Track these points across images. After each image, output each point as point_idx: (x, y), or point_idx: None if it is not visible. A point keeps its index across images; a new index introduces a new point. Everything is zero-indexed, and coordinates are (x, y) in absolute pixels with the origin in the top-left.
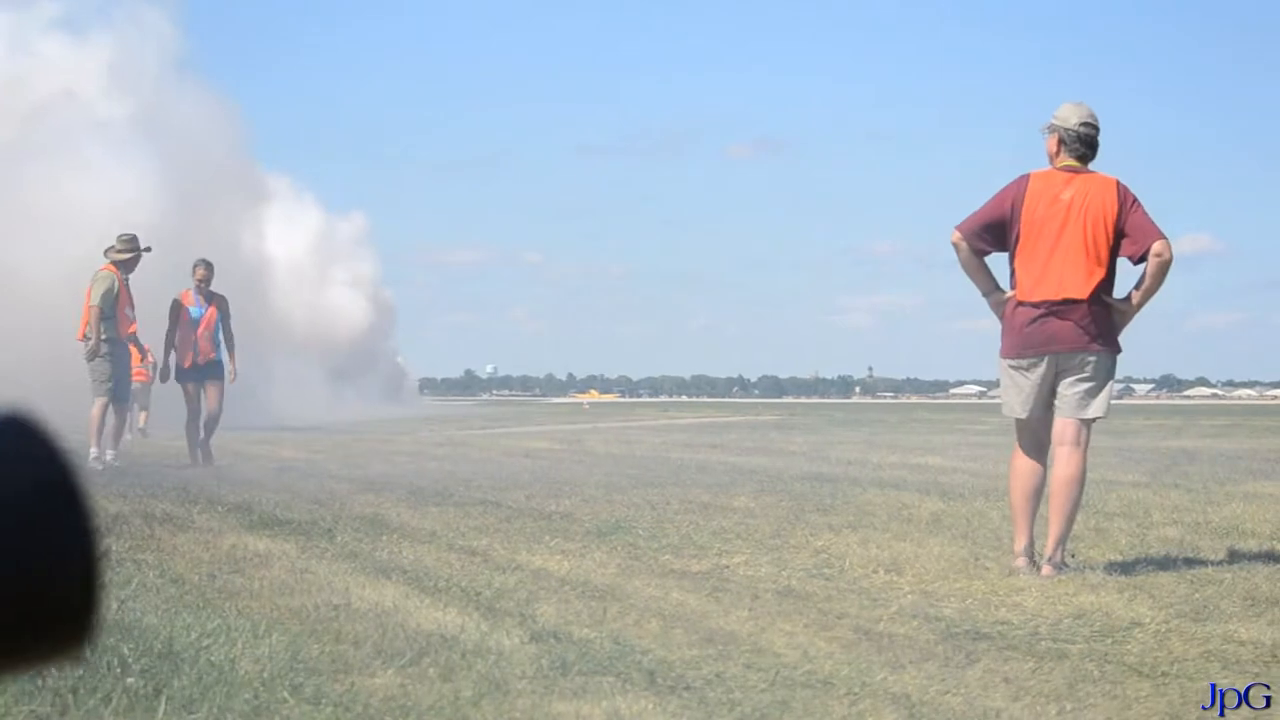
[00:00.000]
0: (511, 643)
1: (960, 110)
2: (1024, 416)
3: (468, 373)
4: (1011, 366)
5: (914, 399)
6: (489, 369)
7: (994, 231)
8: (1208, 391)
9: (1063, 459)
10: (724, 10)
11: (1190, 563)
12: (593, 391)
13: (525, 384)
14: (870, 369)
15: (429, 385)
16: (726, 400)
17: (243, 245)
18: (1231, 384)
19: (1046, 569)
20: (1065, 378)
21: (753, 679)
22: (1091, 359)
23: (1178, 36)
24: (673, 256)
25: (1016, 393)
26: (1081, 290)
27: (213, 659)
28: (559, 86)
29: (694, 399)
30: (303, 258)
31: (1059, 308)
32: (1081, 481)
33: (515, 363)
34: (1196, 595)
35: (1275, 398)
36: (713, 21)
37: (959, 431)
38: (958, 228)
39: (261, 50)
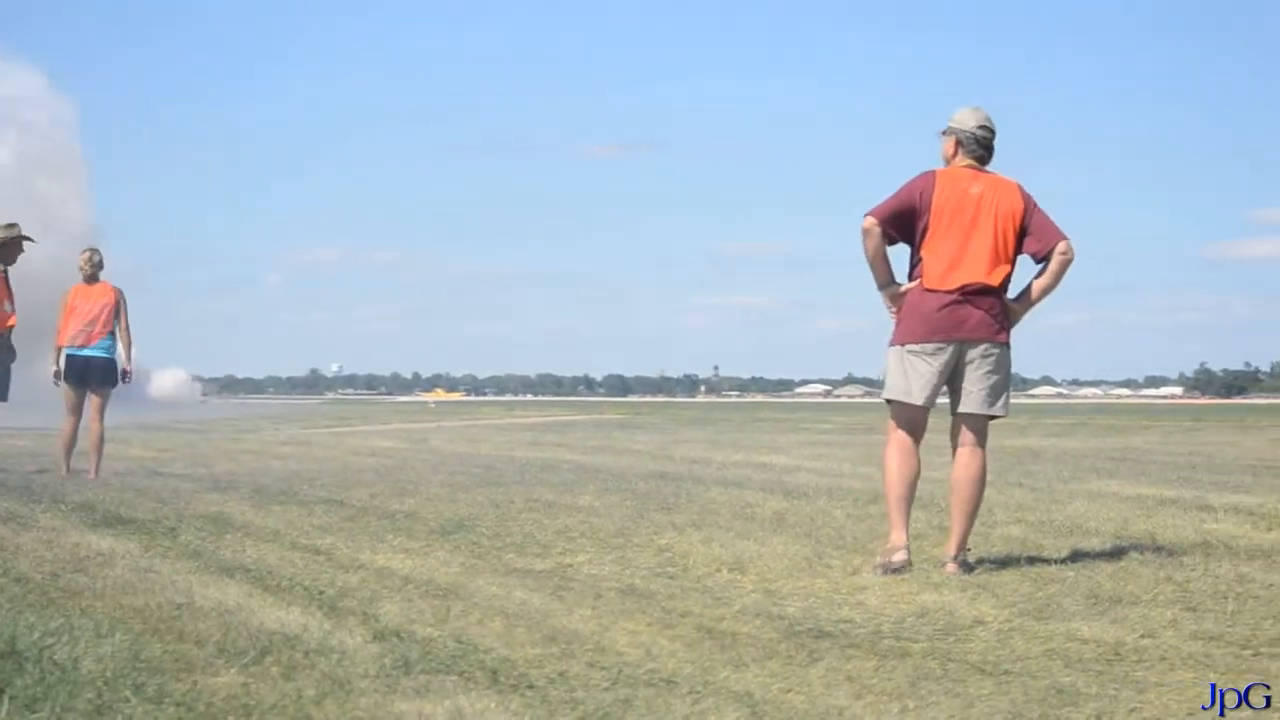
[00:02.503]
0: (354, 642)
1: (815, 114)
2: (920, 403)
3: (313, 371)
4: (911, 353)
5: (759, 398)
6: (335, 368)
7: (901, 221)
8: (1053, 390)
9: (964, 459)
10: (583, 10)
11: (1033, 561)
12: (439, 390)
13: (371, 383)
14: (716, 368)
15: (274, 384)
16: (572, 399)
17: None
18: (1076, 383)
19: (951, 567)
20: (970, 371)
21: (595, 677)
22: (996, 350)
23: (1013, 39)
24: (524, 256)
25: (915, 378)
26: (994, 278)
27: (55, 658)
28: (419, 86)
29: (540, 398)
30: None
31: (972, 295)
32: (984, 481)
33: (363, 361)
34: (1039, 594)
35: (1119, 397)
36: (571, 21)
37: (804, 430)
38: (870, 213)
39: (112, 45)
